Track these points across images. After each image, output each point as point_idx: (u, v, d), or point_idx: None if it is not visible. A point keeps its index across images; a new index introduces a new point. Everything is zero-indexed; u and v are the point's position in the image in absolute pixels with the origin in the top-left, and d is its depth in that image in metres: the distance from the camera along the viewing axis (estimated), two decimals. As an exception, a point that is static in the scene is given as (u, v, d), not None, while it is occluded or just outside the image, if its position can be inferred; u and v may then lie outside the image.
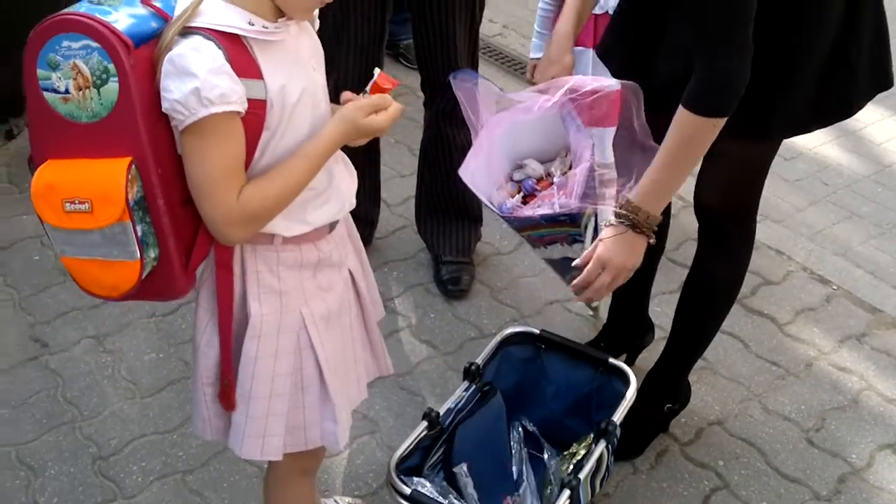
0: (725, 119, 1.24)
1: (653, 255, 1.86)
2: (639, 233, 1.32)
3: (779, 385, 1.97)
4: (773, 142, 1.49)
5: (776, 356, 2.05)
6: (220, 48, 0.97)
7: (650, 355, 1.92)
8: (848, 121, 3.43)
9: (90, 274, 1.04)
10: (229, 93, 0.97)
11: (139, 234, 1.01)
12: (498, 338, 1.68)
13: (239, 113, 0.99)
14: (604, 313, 2.00)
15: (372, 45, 1.96)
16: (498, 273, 2.26)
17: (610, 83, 1.42)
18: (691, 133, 1.26)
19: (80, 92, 0.97)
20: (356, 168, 2.11)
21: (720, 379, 1.98)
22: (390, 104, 1.12)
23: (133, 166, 0.99)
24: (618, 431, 1.51)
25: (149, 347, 2.00)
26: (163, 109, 0.99)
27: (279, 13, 1.04)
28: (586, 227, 1.57)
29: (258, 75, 1.01)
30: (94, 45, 0.96)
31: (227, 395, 1.17)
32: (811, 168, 2.76)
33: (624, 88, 1.41)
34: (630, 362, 1.94)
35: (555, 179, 1.51)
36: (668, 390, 1.80)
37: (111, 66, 0.96)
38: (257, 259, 1.12)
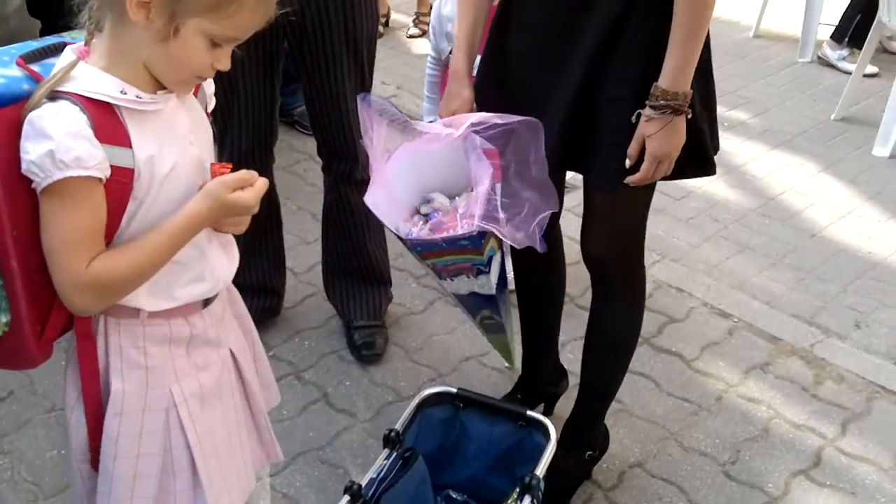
0: None
1: (555, 301, 1.89)
2: (680, 114, 1.38)
3: (692, 421, 2.02)
4: (649, 190, 1.55)
5: (687, 392, 2.10)
6: (84, 113, 0.96)
7: (568, 402, 1.93)
8: (731, 157, 3.59)
9: None
10: (86, 157, 0.95)
11: None
12: (416, 401, 1.66)
13: (100, 180, 0.97)
14: (518, 364, 2.00)
15: (264, 116, 1.95)
16: (412, 333, 2.25)
17: (512, 118, 1.44)
18: (701, 2, 1.33)
19: None
20: (258, 238, 2.10)
21: (636, 420, 2.01)
22: (256, 179, 1.09)
23: None
24: (542, 485, 1.50)
25: (49, 444, 1.87)
26: (22, 171, 0.96)
27: (160, 85, 1.03)
28: (491, 258, 1.57)
29: (127, 143, 0.99)
30: None
31: (97, 461, 1.11)
32: (701, 205, 2.90)
33: (523, 124, 1.44)
34: (548, 412, 1.95)
35: (460, 211, 1.52)
36: (586, 438, 1.81)
37: None
38: (121, 333, 1.08)
